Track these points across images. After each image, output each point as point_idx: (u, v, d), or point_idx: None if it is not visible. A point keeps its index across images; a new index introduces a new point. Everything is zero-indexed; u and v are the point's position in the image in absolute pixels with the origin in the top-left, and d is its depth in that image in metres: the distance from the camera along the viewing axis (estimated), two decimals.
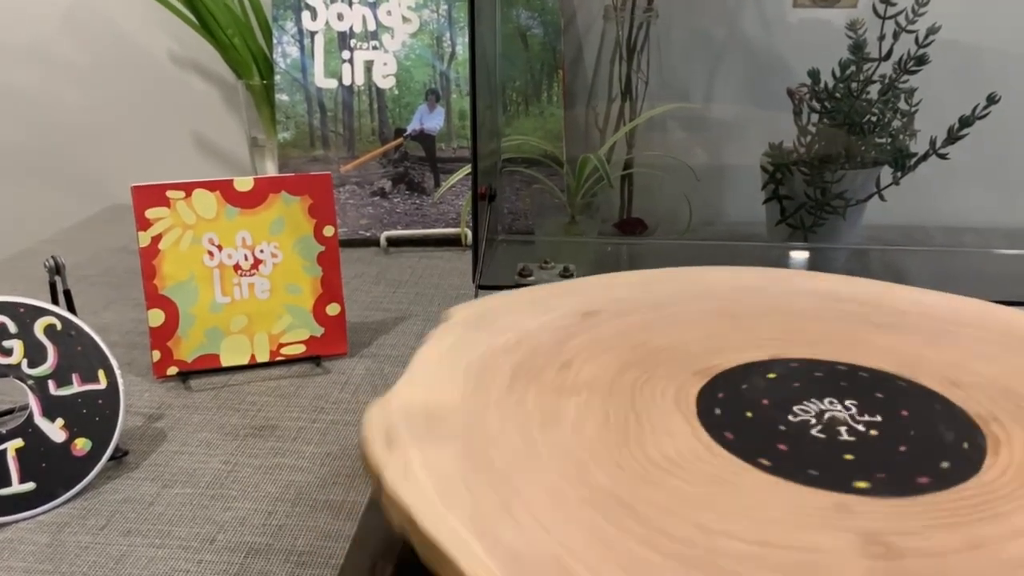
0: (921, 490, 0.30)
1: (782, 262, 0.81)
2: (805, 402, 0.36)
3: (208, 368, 0.61)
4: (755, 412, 0.35)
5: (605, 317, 0.44)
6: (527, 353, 0.40)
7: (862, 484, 0.30)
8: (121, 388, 0.49)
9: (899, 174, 0.79)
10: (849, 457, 0.32)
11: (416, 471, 0.30)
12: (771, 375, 0.38)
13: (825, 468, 0.31)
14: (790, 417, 0.35)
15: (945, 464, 0.32)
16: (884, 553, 0.26)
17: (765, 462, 0.31)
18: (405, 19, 0.88)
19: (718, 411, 0.35)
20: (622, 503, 0.29)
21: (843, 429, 0.34)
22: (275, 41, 0.88)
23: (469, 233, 0.87)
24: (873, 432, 0.34)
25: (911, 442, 0.33)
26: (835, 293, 0.48)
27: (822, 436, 0.33)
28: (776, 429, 0.34)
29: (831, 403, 0.36)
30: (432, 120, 0.89)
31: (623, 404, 0.36)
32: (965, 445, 0.33)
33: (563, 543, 0.27)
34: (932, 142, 0.77)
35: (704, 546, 0.27)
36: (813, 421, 0.34)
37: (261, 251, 0.60)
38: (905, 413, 0.35)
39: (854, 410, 0.35)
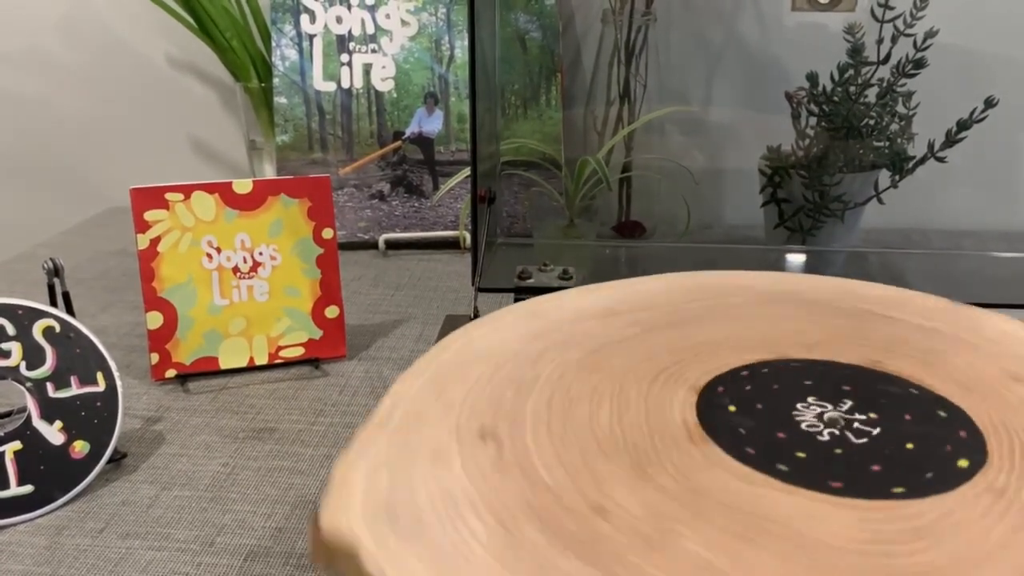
0: (890, 496, 0.30)
1: (780, 265, 0.81)
2: (801, 404, 0.36)
3: (206, 371, 0.61)
4: (765, 404, 0.35)
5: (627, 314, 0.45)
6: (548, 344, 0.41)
7: (898, 489, 0.30)
8: (120, 390, 0.49)
9: (897, 177, 0.79)
10: (838, 451, 0.32)
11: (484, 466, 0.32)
12: (748, 387, 0.38)
13: (839, 474, 0.31)
14: (804, 426, 0.35)
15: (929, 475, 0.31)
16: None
17: (783, 468, 0.31)
18: (404, 22, 0.88)
19: (720, 388, 0.36)
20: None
21: (836, 429, 0.34)
22: (274, 44, 0.88)
23: (467, 236, 0.87)
24: (875, 431, 0.34)
25: (913, 440, 0.33)
26: (807, 292, 0.48)
27: (831, 440, 0.33)
28: (792, 436, 0.34)
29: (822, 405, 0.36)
30: (430, 123, 0.89)
31: (613, 384, 0.37)
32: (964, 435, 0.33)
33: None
34: (930, 145, 0.77)
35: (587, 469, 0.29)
36: (814, 420, 0.35)
37: (260, 253, 0.60)
38: (901, 412, 0.35)
39: (845, 408, 0.36)
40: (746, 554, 0.27)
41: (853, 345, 0.42)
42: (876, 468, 0.32)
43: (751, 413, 0.35)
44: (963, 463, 0.32)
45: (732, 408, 0.36)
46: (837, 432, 0.34)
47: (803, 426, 0.34)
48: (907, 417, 0.35)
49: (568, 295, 0.47)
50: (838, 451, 0.33)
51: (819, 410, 0.36)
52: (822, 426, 0.34)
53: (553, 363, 0.39)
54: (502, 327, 0.42)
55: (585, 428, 0.34)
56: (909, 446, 0.33)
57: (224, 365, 0.61)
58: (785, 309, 0.47)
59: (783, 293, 0.49)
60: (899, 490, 0.30)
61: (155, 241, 0.58)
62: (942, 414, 0.36)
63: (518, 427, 0.33)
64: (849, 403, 0.36)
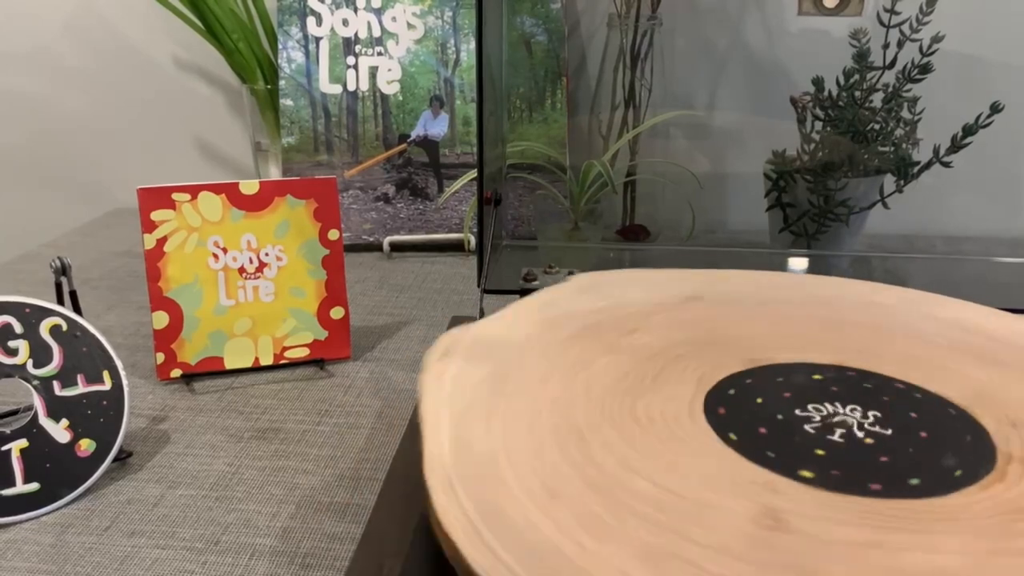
0: (869, 494, 0.30)
1: (784, 269, 0.81)
2: (813, 404, 0.36)
3: (212, 371, 0.61)
4: (764, 401, 0.35)
5: (707, 303, 0.47)
6: (606, 317, 0.44)
7: (807, 473, 0.30)
8: (126, 389, 0.50)
9: (902, 182, 0.79)
10: (820, 453, 0.32)
11: (446, 378, 0.37)
12: (779, 379, 0.38)
13: (783, 451, 0.32)
14: (797, 411, 0.35)
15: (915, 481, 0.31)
16: (773, 526, 0.27)
17: (733, 437, 0.33)
18: (410, 25, 0.88)
19: (732, 391, 0.36)
20: (581, 436, 0.33)
21: (839, 430, 0.34)
22: (280, 46, 0.88)
23: (472, 238, 0.87)
24: (872, 439, 0.34)
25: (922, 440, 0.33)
26: (810, 293, 0.48)
27: (812, 432, 0.33)
28: (773, 418, 0.34)
29: (833, 406, 0.36)
30: (436, 126, 0.89)
31: (650, 370, 0.38)
32: (969, 439, 0.33)
33: (507, 448, 0.32)
34: (935, 150, 0.77)
35: (614, 477, 0.30)
36: (817, 417, 0.35)
37: (266, 254, 0.60)
38: (910, 413, 0.35)
39: (853, 409, 0.36)
40: (750, 553, 0.27)
41: (854, 346, 0.42)
42: (882, 468, 0.32)
43: (757, 413, 0.35)
44: (969, 464, 0.32)
45: (739, 408, 0.36)
46: (844, 433, 0.34)
47: (810, 427, 0.34)
48: (914, 418, 0.35)
49: (569, 292, 0.48)
50: (845, 452, 0.33)
51: (826, 411, 0.36)
52: (829, 427, 0.34)
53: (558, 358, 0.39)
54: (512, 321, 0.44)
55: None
56: (915, 447, 0.33)
57: (229, 365, 0.61)
58: (786, 309, 0.47)
59: (786, 293, 0.49)
60: (905, 489, 0.30)
61: (161, 241, 0.58)
62: (949, 415, 0.36)
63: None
64: (856, 405, 0.36)
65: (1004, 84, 0.85)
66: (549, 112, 0.89)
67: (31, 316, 0.48)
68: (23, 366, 0.47)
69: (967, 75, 0.85)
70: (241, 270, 0.60)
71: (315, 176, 0.62)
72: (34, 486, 0.46)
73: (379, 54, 0.88)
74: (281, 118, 0.88)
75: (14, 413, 0.54)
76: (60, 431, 0.47)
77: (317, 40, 0.88)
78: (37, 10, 1.03)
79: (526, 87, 0.89)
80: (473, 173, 0.87)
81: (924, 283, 0.80)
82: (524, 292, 0.61)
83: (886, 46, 0.76)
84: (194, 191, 0.58)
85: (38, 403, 0.47)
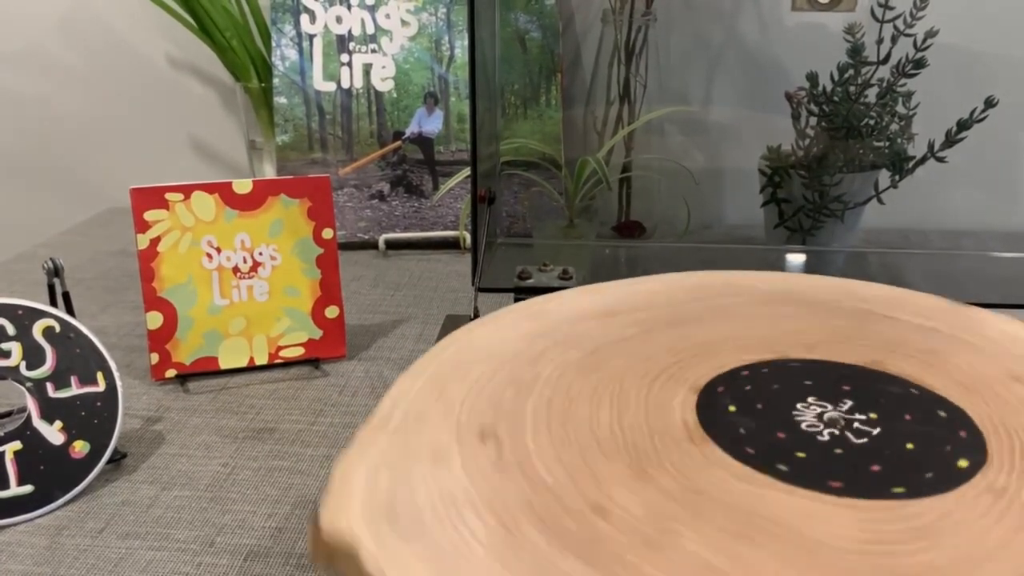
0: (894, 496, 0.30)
1: (780, 265, 0.81)
2: (804, 401, 0.36)
3: (206, 371, 0.61)
4: (765, 404, 0.35)
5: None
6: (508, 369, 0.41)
7: (836, 483, 0.30)
8: (120, 390, 0.49)
9: (897, 177, 0.79)
10: (838, 451, 0.32)
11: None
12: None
13: (761, 444, 0.32)
14: (795, 416, 0.35)
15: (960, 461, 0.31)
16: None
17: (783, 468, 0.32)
18: (404, 22, 0.88)
19: (720, 388, 0.36)
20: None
21: (837, 430, 0.34)
22: (274, 44, 0.88)
23: (467, 236, 0.87)
24: (876, 431, 0.34)
25: (915, 439, 0.33)
26: (797, 291, 0.48)
27: (813, 431, 0.33)
28: (774, 424, 0.34)
29: (821, 404, 0.36)
30: (430, 123, 0.89)
31: (613, 384, 0.37)
32: (964, 436, 0.33)
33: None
34: (930, 145, 0.77)
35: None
36: (816, 422, 0.35)
37: (260, 253, 0.60)
38: (900, 411, 0.35)
39: (846, 409, 0.36)
40: (746, 554, 0.27)
41: (853, 345, 0.42)
42: (876, 468, 0.32)
43: (751, 413, 0.35)
44: (963, 463, 0.32)
45: (732, 408, 0.36)
46: (837, 432, 0.34)
47: (803, 426, 0.34)
48: (907, 417, 0.35)
49: (568, 295, 0.47)
50: (838, 451, 0.33)
51: (819, 410, 0.36)
52: (822, 426, 0.34)
53: (553, 363, 0.39)
54: (502, 327, 0.42)
55: (585, 428, 0.34)
56: (909, 446, 0.33)
57: (224, 365, 0.61)
58: (785, 309, 0.47)
59: (783, 293, 0.49)
60: (899, 490, 0.30)
61: (155, 241, 0.58)
62: (942, 414, 0.36)
63: (518, 427, 0.33)
64: (849, 403, 0.36)
65: (998, 78, 0.85)
66: (544, 108, 0.89)
67: (24, 318, 0.48)
68: (16, 368, 0.47)
69: (961, 70, 0.85)
70: (235, 269, 0.60)
71: (309, 174, 0.62)
72: (28, 488, 0.46)
73: (373, 51, 0.88)
74: (275, 116, 0.88)
75: (7, 415, 0.54)
76: (54, 433, 0.47)
77: (311, 37, 0.88)
78: (30, 9, 1.03)
79: (520, 83, 0.89)
80: (468, 170, 0.87)
81: (919, 278, 0.81)
82: (519, 290, 0.61)
83: (880, 41, 0.76)
84: (187, 191, 0.58)
85: (31, 405, 0.47)
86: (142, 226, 0.58)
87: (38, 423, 0.47)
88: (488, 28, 0.75)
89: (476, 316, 0.61)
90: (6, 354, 0.47)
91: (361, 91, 0.88)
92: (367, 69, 0.88)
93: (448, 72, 0.88)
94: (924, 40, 0.74)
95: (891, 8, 0.75)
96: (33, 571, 0.42)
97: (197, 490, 0.49)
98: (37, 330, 0.48)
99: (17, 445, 0.46)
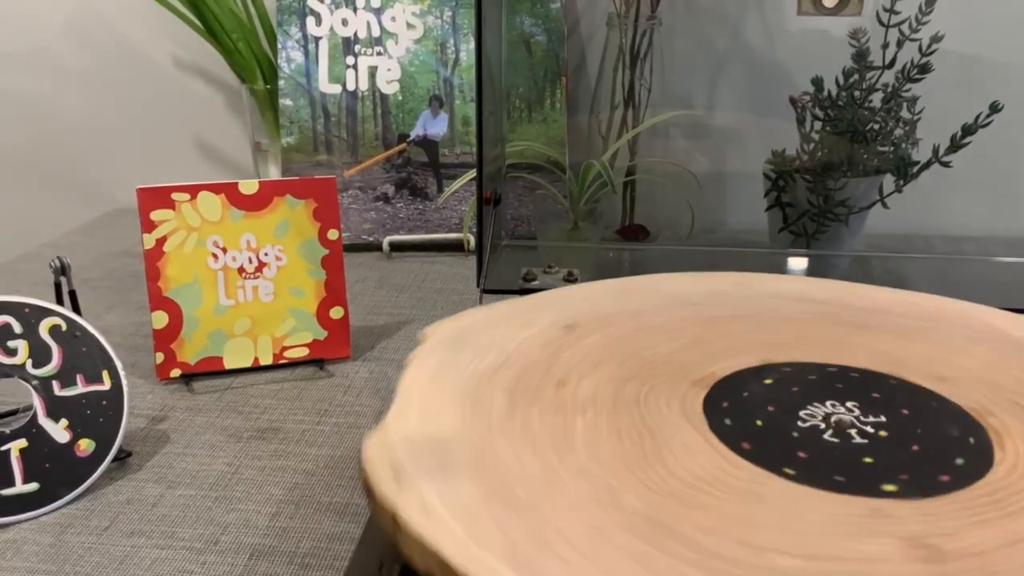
0: (945, 489, 0.30)
1: (783, 269, 0.81)
2: (809, 406, 0.36)
3: (211, 371, 0.61)
4: (764, 420, 0.35)
5: (587, 330, 0.44)
6: (518, 372, 0.39)
7: (890, 487, 0.30)
8: (125, 389, 0.49)
9: (901, 182, 0.79)
10: (868, 460, 0.32)
11: (436, 508, 0.28)
12: (767, 380, 0.38)
13: (849, 473, 0.31)
14: (799, 422, 0.35)
15: (960, 461, 0.32)
16: (929, 556, 0.26)
17: (789, 471, 0.31)
18: (409, 25, 0.88)
19: (728, 421, 0.35)
20: (661, 526, 0.28)
21: (853, 432, 0.34)
22: (279, 46, 0.88)
23: (472, 238, 0.87)
24: (882, 433, 0.34)
25: (921, 441, 0.33)
26: (804, 294, 0.49)
27: (836, 440, 0.33)
28: (790, 436, 0.34)
29: (834, 406, 0.36)
30: (435, 126, 0.89)
31: (632, 420, 0.35)
32: (971, 440, 0.33)
33: (610, 573, 0.25)
34: (935, 150, 0.77)
35: (754, 564, 0.26)
36: (823, 425, 0.35)
37: (265, 254, 0.60)
38: (905, 412, 0.35)
39: (858, 412, 0.36)
40: (747, 553, 0.27)
41: (857, 347, 0.42)
42: (881, 468, 0.32)
43: (758, 414, 0.35)
44: (967, 464, 0.32)
45: (739, 408, 0.36)
46: (843, 433, 0.34)
47: (809, 427, 0.34)
48: (912, 418, 0.35)
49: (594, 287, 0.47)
50: (843, 452, 0.33)
51: (825, 411, 0.36)
52: (828, 427, 0.34)
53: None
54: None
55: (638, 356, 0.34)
56: (914, 447, 0.33)
57: (229, 365, 0.61)
58: (789, 311, 0.47)
59: (788, 295, 0.49)
60: (904, 490, 0.30)
61: (161, 241, 0.58)
62: (947, 415, 0.36)
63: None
64: (855, 404, 0.36)
65: (1003, 84, 0.85)
66: (549, 112, 0.89)
67: (30, 316, 0.48)
68: (22, 366, 0.47)
69: (966, 75, 0.85)
70: (240, 270, 0.60)
71: (314, 176, 0.62)
72: (33, 486, 0.46)
73: (378, 54, 0.88)
74: (280, 118, 0.88)
75: (13, 413, 0.54)
76: (59, 431, 0.47)
77: (316, 40, 0.88)
78: (36, 10, 1.03)
79: (526, 87, 0.89)
80: (472, 173, 0.87)
81: (923, 283, 0.80)
82: (524, 292, 0.61)
83: (885, 46, 0.76)
84: (193, 191, 0.58)
85: (37, 403, 0.47)
86: (148, 226, 0.58)
87: (44, 421, 0.47)
88: (494, 32, 0.75)
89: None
90: (12, 352, 0.47)
91: (366, 93, 0.88)
92: (372, 72, 0.88)
93: (453, 75, 0.89)
94: (929, 45, 0.75)
95: (896, 13, 0.75)
96: (38, 569, 0.42)
97: (202, 489, 0.49)
98: (44, 328, 0.48)
99: (23, 443, 0.46)
